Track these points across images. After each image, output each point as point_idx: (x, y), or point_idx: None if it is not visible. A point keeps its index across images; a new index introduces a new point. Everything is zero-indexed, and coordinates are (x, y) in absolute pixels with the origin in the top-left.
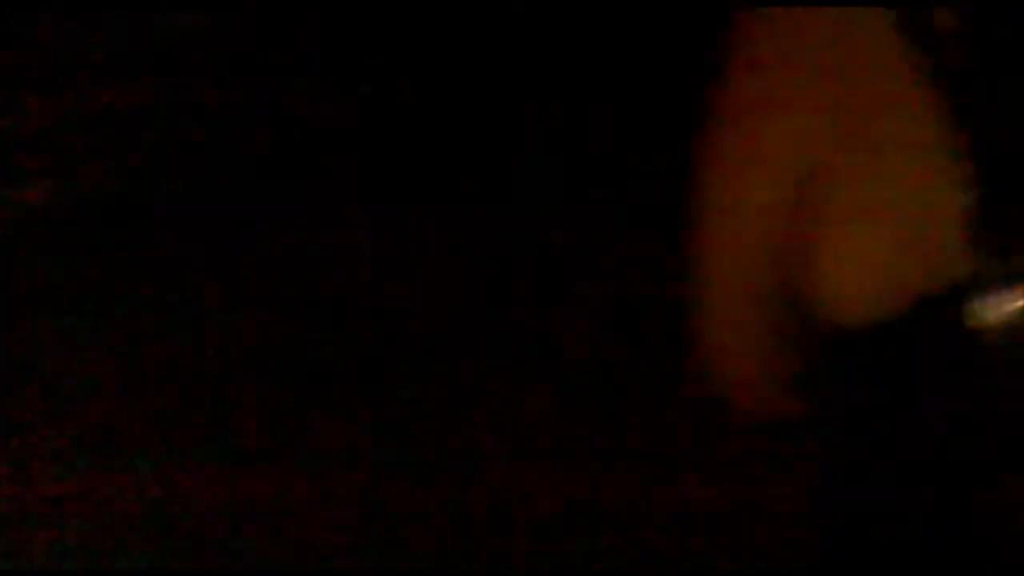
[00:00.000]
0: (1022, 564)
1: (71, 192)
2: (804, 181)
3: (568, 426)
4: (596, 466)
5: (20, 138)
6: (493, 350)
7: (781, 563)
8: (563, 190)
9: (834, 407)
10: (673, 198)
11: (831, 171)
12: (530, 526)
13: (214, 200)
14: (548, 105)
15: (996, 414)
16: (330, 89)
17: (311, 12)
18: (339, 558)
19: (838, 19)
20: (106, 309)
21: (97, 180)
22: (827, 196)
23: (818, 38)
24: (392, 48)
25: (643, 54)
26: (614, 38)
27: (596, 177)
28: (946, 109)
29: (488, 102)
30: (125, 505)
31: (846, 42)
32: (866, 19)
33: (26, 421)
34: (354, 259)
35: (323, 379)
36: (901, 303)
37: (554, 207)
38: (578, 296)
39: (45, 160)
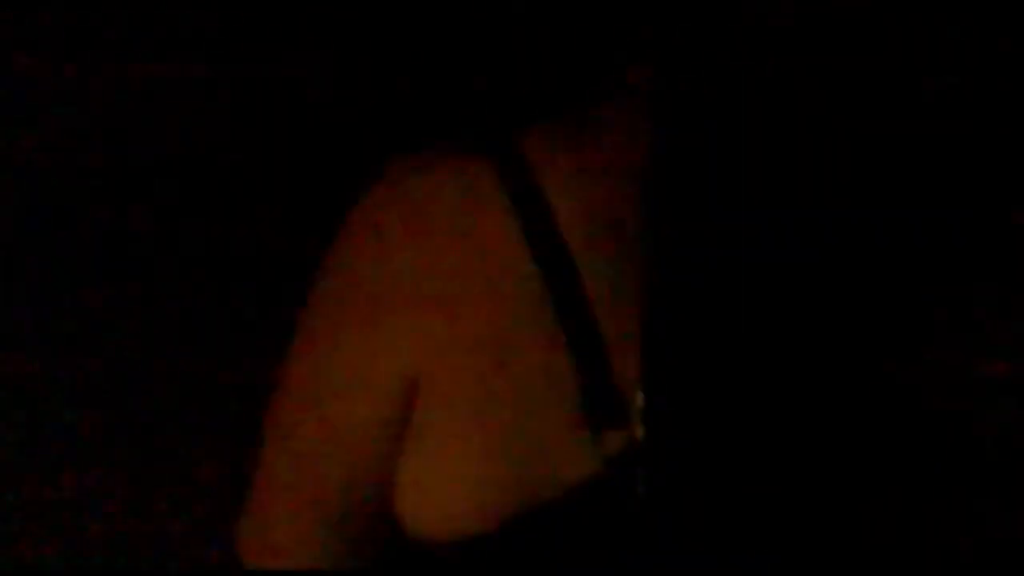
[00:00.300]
0: None
1: None
2: (406, 393)
3: None
4: None
5: None
6: None
7: None
8: None
9: None
10: None
11: (432, 382)
12: None
13: None
14: None
15: None
16: None
17: None
18: None
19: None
20: None
21: None
22: (424, 408)
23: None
24: None
25: None
26: None
27: None
28: (555, 292)
29: None
30: None
31: (461, 219)
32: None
33: None
34: None
35: None
36: (500, 516)
37: None
38: None
39: None
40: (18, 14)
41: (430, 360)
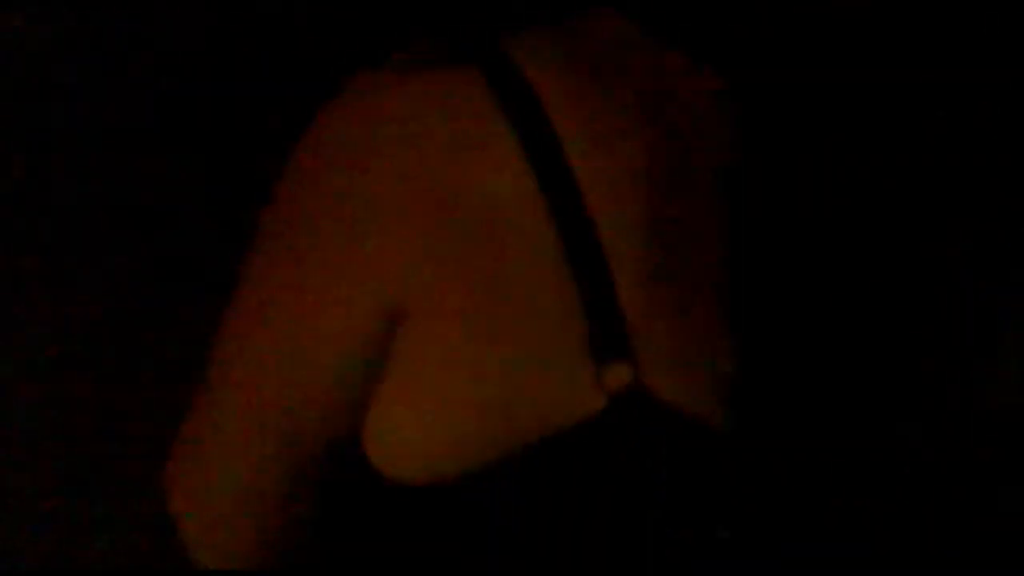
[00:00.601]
0: None
1: None
2: (389, 318)
3: None
4: None
5: None
6: None
7: None
8: None
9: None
10: None
11: (419, 311)
12: None
13: None
14: None
15: None
16: None
17: None
18: None
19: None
20: None
21: None
22: (409, 341)
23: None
24: None
25: None
26: None
27: None
28: (553, 202)
29: None
30: None
31: (446, 130)
32: (461, 94)
33: None
34: None
35: None
36: (490, 456)
37: None
38: None
39: None
40: None
41: (417, 287)
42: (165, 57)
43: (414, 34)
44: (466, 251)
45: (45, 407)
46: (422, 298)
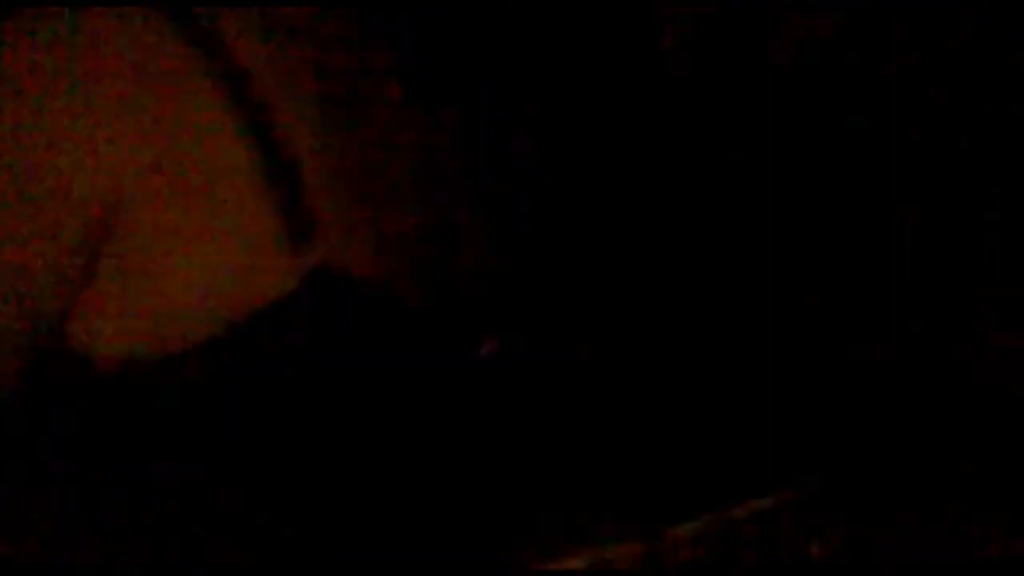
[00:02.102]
0: None
1: None
2: (106, 216)
3: None
4: None
5: None
6: None
7: None
8: None
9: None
10: None
11: (133, 203)
12: None
13: None
14: None
15: None
16: None
17: None
18: None
19: (114, 30)
20: None
21: None
22: (123, 234)
23: (98, 56)
24: None
25: None
26: None
27: None
28: (245, 124)
29: None
30: None
31: (133, 59)
32: (145, 29)
33: None
34: None
35: None
36: (187, 338)
37: None
38: None
39: None
40: None
41: (131, 177)
42: None
43: None
44: (171, 155)
45: None
46: (135, 188)
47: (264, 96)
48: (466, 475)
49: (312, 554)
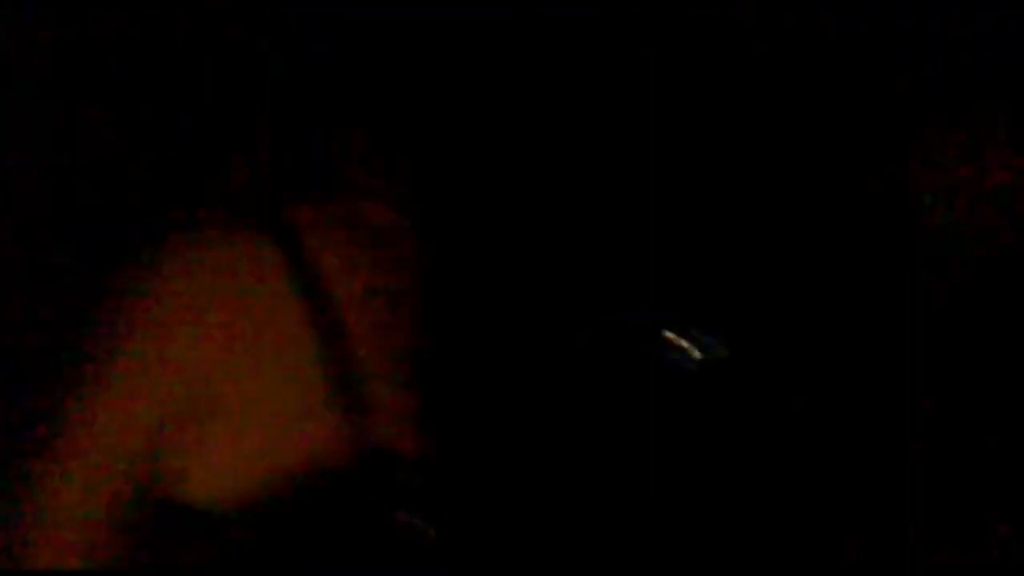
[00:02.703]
0: None
1: None
2: (184, 407)
3: None
4: None
5: None
6: None
7: None
8: None
9: None
10: None
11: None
12: None
13: None
14: None
15: None
16: None
17: None
18: None
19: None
20: None
21: None
22: (206, 415)
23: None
24: None
25: None
26: None
27: None
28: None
29: None
30: None
31: (243, 283)
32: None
33: None
34: None
35: None
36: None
37: None
38: None
39: None
40: None
41: (214, 372)
42: None
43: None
44: (250, 350)
45: None
46: (218, 380)
47: (329, 288)
48: None
49: None
